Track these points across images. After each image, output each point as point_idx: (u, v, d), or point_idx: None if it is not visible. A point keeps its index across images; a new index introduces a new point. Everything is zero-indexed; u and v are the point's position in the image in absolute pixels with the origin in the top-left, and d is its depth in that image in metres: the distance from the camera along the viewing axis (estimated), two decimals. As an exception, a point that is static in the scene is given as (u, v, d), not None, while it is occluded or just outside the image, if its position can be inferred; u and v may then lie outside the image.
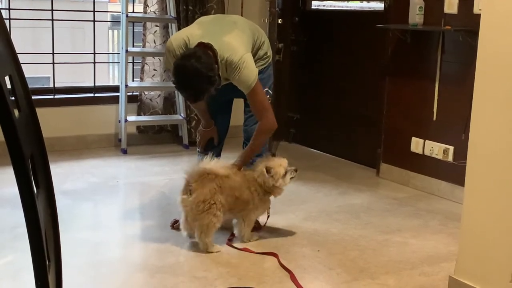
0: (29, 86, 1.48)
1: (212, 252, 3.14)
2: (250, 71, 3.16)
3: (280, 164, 3.25)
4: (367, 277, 2.94)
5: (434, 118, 4.23)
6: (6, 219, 3.53)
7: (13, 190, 3.98)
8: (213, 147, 3.53)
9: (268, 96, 3.38)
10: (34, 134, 1.42)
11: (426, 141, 4.30)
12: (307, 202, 4.05)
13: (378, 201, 4.12)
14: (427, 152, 4.30)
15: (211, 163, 3.14)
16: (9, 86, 1.30)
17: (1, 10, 1.39)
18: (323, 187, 4.41)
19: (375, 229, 3.59)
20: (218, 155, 3.55)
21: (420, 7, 4.14)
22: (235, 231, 3.34)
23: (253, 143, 3.31)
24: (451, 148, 4.12)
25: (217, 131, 3.59)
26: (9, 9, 4.98)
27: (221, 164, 3.20)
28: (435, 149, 4.24)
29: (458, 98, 4.02)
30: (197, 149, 3.63)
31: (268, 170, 3.20)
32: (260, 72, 3.34)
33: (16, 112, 1.24)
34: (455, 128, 4.03)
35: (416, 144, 4.38)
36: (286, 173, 3.25)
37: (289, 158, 5.07)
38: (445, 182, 4.19)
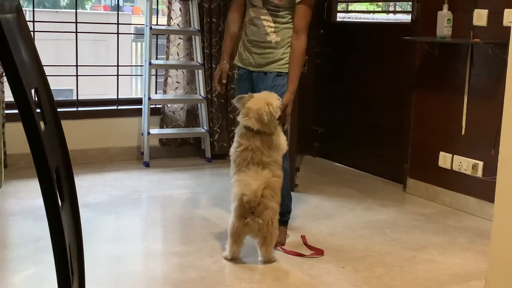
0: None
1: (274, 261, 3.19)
2: None
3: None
4: (394, 295, 2.88)
5: (463, 133, 4.15)
6: (29, 232, 3.52)
7: (36, 202, 4.00)
8: None
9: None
10: (60, 146, 1.41)
11: (455, 156, 4.22)
12: (331, 218, 3.99)
13: (405, 217, 4.05)
14: (455, 167, 4.22)
15: (259, 178, 3.07)
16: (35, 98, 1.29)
17: (27, 23, 1.38)
18: (348, 202, 4.35)
19: (402, 245, 3.52)
20: None
21: (448, 19, 4.09)
22: None
23: (298, 67, 3.33)
24: (481, 163, 4.04)
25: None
26: (34, 21, 5.01)
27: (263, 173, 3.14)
28: (463, 164, 4.15)
29: (487, 112, 3.94)
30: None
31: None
32: (280, 75, 3.39)
33: (42, 125, 1.22)
34: (485, 142, 3.95)
35: (444, 159, 4.30)
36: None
37: (313, 172, 5.12)
38: (474, 198, 4.10)
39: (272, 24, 3.37)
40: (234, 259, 3.16)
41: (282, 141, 3.24)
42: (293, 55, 3.35)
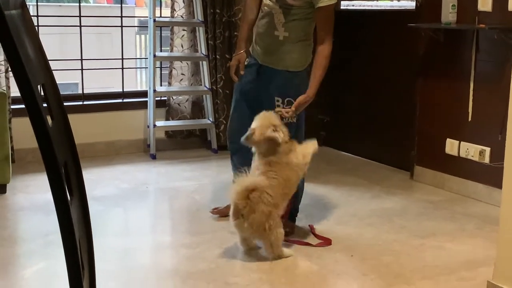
0: (58, 93, 1.47)
1: (287, 257, 3.11)
2: None
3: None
4: (402, 283, 2.88)
5: (470, 119, 4.14)
6: (39, 226, 3.54)
7: (45, 196, 4.01)
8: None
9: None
10: (67, 141, 1.41)
11: (462, 142, 4.21)
12: (339, 206, 3.99)
13: (413, 205, 4.05)
14: (462, 154, 4.21)
15: (248, 179, 3.02)
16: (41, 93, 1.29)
17: (32, 18, 1.38)
18: (355, 190, 4.35)
19: (410, 233, 3.52)
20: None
21: (453, 5, 4.06)
22: None
23: (321, 69, 3.27)
24: (488, 149, 4.03)
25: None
26: (37, 16, 5.01)
27: (256, 175, 3.06)
28: (471, 150, 4.14)
29: (494, 97, 3.92)
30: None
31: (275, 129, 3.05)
32: (291, 72, 3.33)
33: (49, 120, 1.23)
34: (492, 128, 3.94)
35: (451, 146, 4.28)
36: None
37: (320, 161, 5.10)
38: (482, 185, 4.09)
39: (283, 20, 3.29)
40: (247, 250, 3.17)
41: (302, 149, 3.18)
42: (317, 58, 3.28)
